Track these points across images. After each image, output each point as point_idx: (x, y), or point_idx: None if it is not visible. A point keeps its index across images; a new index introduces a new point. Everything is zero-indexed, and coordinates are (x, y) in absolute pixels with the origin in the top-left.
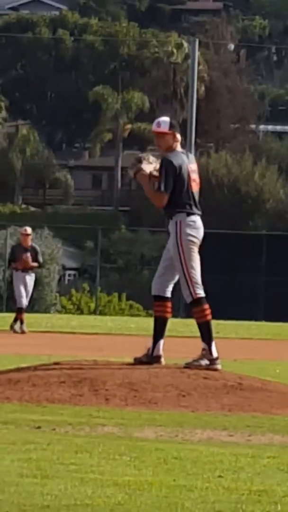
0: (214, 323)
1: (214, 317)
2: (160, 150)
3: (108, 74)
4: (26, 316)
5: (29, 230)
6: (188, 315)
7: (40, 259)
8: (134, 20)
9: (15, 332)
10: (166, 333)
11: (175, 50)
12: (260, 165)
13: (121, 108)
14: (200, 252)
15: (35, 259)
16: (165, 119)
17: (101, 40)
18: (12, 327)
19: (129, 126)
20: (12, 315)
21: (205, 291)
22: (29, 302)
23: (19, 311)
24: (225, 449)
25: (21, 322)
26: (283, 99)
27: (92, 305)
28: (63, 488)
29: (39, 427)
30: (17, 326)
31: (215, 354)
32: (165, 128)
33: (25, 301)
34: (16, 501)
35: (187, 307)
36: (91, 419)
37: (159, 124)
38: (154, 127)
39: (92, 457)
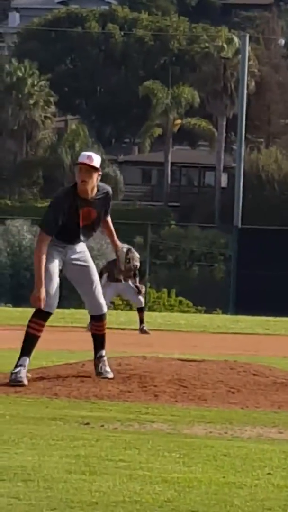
0: (264, 319)
1: (267, 314)
2: (83, 185)
3: (158, 69)
4: (74, 312)
5: None
6: (237, 311)
7: None
8: (184, 14)
9: (144, 332)
10: (217, 329)
11: (225, 45)
12: None
13: (171, 103)
14: (252, 248)
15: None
16: (97, 156)
17: (151, 35)
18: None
19: (179, 121)
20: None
21: (257, 287)
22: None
23: (141, 310)
24: (275, 446)
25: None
26: None
27: None
28: (111, 485)
29: (87, 424)
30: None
31: None
32: (97, 164)
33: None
34: (64, 497)
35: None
36: (140, 415)
37: (91, 159)
38: (84, 159)
39: (140, 454)
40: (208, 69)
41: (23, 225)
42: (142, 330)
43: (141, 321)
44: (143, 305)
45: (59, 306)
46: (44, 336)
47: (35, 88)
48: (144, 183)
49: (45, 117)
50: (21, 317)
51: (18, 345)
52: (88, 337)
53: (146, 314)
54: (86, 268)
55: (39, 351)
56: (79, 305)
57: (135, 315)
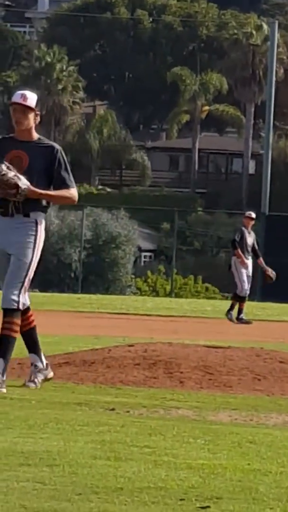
0: None
1: None
2: (17, 126)
3: (186, 55)
4: (101, 297)
5: (254, 214)
6: (264, 299)
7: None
8: (213, 1)
9: (232, 321)
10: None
11: (254, 32)
12: None
13: (199, 89)
14: (280, 234)
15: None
16: (32, 93)
17: (180, 21)
18: (229, 315)
19: (207, 107)
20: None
21: (285, 274)
22: (105, 283)
23: (242, 299)
24: None
25: (241, 312)
26: None
27: (168, 287)
28: (136, 471)
29: (113, 409)
30: (233, 314)
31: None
32: (31, 103)
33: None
34: (89, 483)
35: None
36: (165, 401)
37: (25, 97)
38: (18, 98)
39: (166, 440)
40: (236, 56)
41: (50, 210)
42: (240, 320)
43: (240, 311)
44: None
45: (85, 292)
46: (70, 322)
47: (64, 73)
48: (171, 169)
49: (74, 102)
50: (48, 302)
51: (44, 330)
52: (113, 322)
53: (172, 300)
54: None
55: (65, 336)
56: (106, 290)
57: (162, 301)
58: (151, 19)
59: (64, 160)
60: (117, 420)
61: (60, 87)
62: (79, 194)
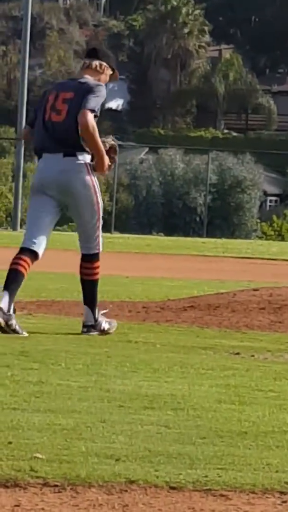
0: None
1: None
2: None
3: None
4: (226, 241)
5: None
6: None
7: None
8: None
9: None
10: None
11: None
12: None
13: None
14: None
15: None
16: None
17: None
18: None
19: None
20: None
21: None
22: (230, 228)
23: None
24: None
25: None
26: None
27: None
28: (261, 415)
29: (238, 353)
30: None
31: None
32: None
33: None
34: (214, 427)
35: None
36: None
37: None
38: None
39: None
40: None
41: (176, 154)
42: None
43: None
44: None
45: (210, 236)
46: (195, 266)
47: (190, 17)
48: None
49: (199, 46)
50: (173, 246)
51: (169, 273)
52: (238, 266)
53: None
54: None
55: (190, 280)
56: (231, 235)
57: (287, 245)
58: None
59: None
60: (242, 364)
61: (186, 31)
62: (205, 138)
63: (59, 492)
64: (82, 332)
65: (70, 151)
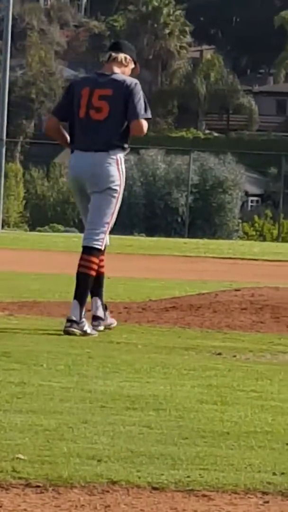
0: None
1: None
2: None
3: None
4: (208, 242)
5: None
6: None
7: None
8: None
9: None
10: None
11: None
12: None
13: None
14: None
15: None
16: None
17: None
18: None
19: None
20: (189, 241)
21: None
22: (211, 228)
23: None
24: None
25: None
26: None
27: (275, 232)
28: (243, 415)
29: (219, 354)
30: None
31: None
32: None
33: None
34: (196, 427)
35: None
36: (272, 346)
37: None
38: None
39: (272, 385)
40: None
41: (157, 154)
42: None
43: None
44: None
45: (192, 236)
46: (177, 266)
47: (171, 17)
48: (279, 113)
49: (181, 46)
50: (155, 247)
51: (151, 274)
52: (220, 266)
53: (279, 245)
54: None
55: (172, 280)
56: (213, 235)
57: (269, 245)
58: None
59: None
60: (223, 364)
61: (167, 31)
62: (187, 139)
63: (41, 493)
64: (65, 328)
65: (104, 147)
